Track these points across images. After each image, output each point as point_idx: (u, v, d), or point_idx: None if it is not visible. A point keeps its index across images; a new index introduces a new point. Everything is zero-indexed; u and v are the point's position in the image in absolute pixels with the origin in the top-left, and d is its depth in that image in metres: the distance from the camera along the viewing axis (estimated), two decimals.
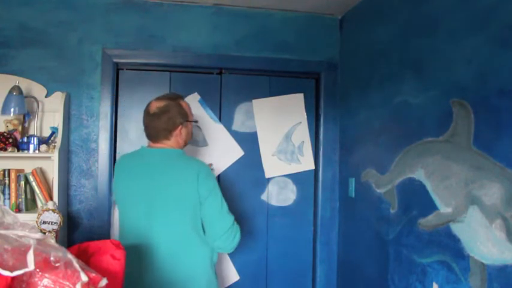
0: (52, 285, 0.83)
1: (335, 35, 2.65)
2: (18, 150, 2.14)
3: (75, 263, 0.89)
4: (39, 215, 2.01)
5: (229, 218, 1.63)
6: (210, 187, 1.63)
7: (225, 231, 1.60)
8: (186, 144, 1.79)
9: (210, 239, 1.64)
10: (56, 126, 2.23)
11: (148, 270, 1.61)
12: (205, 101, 2.54)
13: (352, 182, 2.41)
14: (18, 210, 2.14)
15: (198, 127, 2.52)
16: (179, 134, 1.71)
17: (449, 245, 1.54)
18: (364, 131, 2.29)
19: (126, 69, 2.49)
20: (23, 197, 2.16)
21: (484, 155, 1.37)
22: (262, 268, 2.61)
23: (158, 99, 1.73)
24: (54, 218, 2.02)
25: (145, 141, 2.46)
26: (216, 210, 1.62)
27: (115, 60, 2.39)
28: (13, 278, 0.80)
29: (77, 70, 2.35)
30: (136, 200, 1.66)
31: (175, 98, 1.75)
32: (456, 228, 1.51)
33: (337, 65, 2.64)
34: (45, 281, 0.83)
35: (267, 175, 2.61)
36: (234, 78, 2.60)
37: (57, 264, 0.86)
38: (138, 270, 1.60)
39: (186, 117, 1.73)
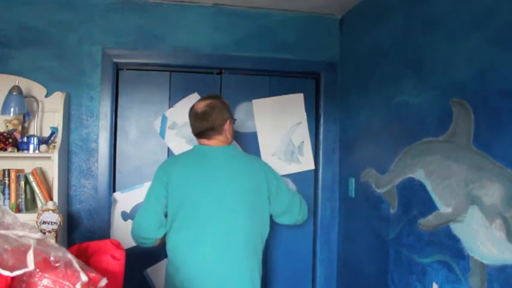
0: (52, 285, 0.83)
1: (335, 35, 2.65)
2: (18, 150, 2.13)
3: (75, 263, 0.89)
4: (39, 215, 2.01)
5: (295, 195, 1.92)
6: (277, 179, 1.84)
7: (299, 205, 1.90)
8: (232, 140, 1.87)
9: (290, 220, 1.90)
10: (55, 126, 2.23)
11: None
12: None
13: (352, 182, 2.41)
14: (18, 210, 2.14)
15: None
16: (228, 129, 1.81)
17: (449, 245, 1.54)
18: (364, 131, 2.29)
19: (126, 69, 2.49)
20: (23, 197, 2.16)
21: (484, 155, 1.37)
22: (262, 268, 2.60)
23: (202, 100, 1.84)
24: (54, 218, 2.02)
25: (145, 142, 2.48)
26: (288, 196, 1.86)
27: (115, 60, 2.39)
28: (13, 278, 0.80)
29: (77, 70, 2.35)
30: (204, 202, 1.70)
31: (217, 97, 1.88)
32: (456, 228, 1.51)
33: (337, 65, 2.64)
34: (45, 281, 0.83)
35: None
36: (234, 78, 2.59)
37: (57, 264, 0.86)
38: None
39: (231, 112, 1.87)
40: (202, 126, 1.77)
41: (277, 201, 1.81)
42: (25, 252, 0.84)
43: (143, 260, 2.37)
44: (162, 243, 1.79)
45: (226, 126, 1.80)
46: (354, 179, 2.40)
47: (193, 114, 1.81)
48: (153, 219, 1.71)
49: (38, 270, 0.83)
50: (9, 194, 2.14)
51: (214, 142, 1.79)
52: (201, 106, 1.79)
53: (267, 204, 1.80)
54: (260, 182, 1.77)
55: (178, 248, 1.70)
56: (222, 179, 1.72)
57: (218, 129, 1.77)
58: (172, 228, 1.72)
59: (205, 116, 1.76)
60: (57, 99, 2.24)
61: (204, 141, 1.80)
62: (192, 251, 1.67)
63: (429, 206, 1.66)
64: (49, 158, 2.13)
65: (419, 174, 1.74)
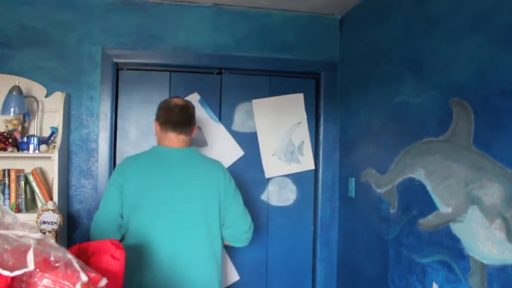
0: (52, 285, 0.83)
1: (335, 35, 2.65)
2: (18, 150, 2.13)
3: (75, 263, 0.88)
4: (39, 215, 2.01)
5: (247, 213, 1.82)
6: (235, 189, 1.80)
7: (247, 230, 1.79)
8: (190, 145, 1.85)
9: (230, 238, 1.80)
10: (55, 126, 2.23)
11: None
12: (205, 101, 2.54)
13: (352, 182, 2.41)
14: (18, 210, 2.14)
15: (198, 127, 2.52)
16: (194, 133, 1.83)
17: (449, 245, 1.54)
18: (364, 131, 2.29)
19: (126, 69, 2.49)
20: (23, 197, 2.16)
21: (484, 155, 1.37)
22: (262, 268, 2.61)
23: (176, 97, 1.84)
24: (54, 218, 2.02)
25: (145, 142, 2.47)
26: (240, 209, 1.80)
27: (115, 60, 2.39)
28: (13, 278, 0.80)
29: (77, 70, 2.35)
30: (159, 201, 1.67)
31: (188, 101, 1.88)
32: (456, 228, 1.51)
33: (337, 65, 2.64)
34: (45, 281, 0.83)
35: (267, 175, 2.61)
36: (234, 78, 2.59)
37: (57, 264, 0.86)
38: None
39: (195, 119, 1.86)
40: (181, 117, 1.74)
41: (229, 210, 1.76)
42: (25, 252, 0.84)
43: None
44: None
45: (194, 130, 1.83)
46: (354, 179, 2.40)
47: (173, 105, 1.76)
48: (110, 222, 1.68)
49: (38, 270, 0.83)
50: (9, 194, 2.14)
51: (180, 140, 1.75)
52: (181, 101, 1.79)
53: (221, 209, 1.75)
54: (218, 187, 1.73)
55: (133, 251, 1.62)
56: (179, 181, 1.69)
57: (190, 128, 1.78)
58: (128, 230, 1.69)
59: (185, 110, 1.77)
60: (57, 99, 2.24)
61: (171, 135, 1.74)
62: (148, 252, 1.63)
63: (429, 206, 1.66)
64: (49, 158, 2.13)
65: (419, 174, 1.74)
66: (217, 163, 1.83)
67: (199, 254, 1.68)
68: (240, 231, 1.78)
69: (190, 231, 1.67)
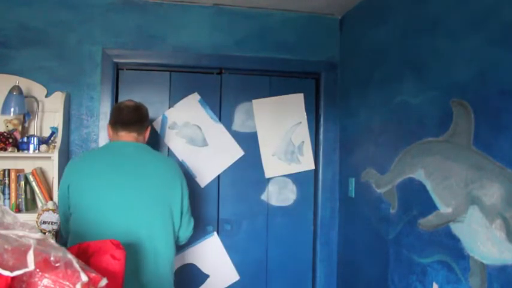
0: (52, 285, 0.83)
1: (335, 35, 2.65)
2: (18, 150, 2.13)
3: (75, 263, 0.88)
4: (39, 215, 2.01)
5: (192, 220, 1.83)
6: (187, 190, 1.77)
7: (191, 229, 1.82)
8: None
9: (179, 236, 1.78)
10: (56, 126, 2.23)
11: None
12: (205, 101, 2.54)
13: (352, 182, 2.41)
14: (18, 210, 2.14)
15: (198, 127, 2.52)
16: (147, 135, 1.81)
17: (449, 245, 1.54)
18: (364, 131, 2.29)
19: (126, 69, 2.49)
20: (23, 197, 2.16)
21: (484, 155, 1.37)
22: (262, 268, 2.61)
23: (128, 100, 1.83)
24: (54, 218, 2.02)
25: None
26: (187, 210, 1.78)
27: (115, 60, 2.39)
28: (13, 278, 0.80)
29: (77, 70, 2.35)
30: (111, 195, 1.61)
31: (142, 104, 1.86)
32: (456, 228, 1.51)
33: (337, 65, 2.64)
34: (45, 281, 0.83)
35: (267, 175, 2.61)
36: (234, 78, 2.59)
37: (57, 264, 0.85)
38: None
39: (149, 122, 1.86)
40: (129, 116, 1.72)
41: (182, 206, 1.74)
42: (25, 252, 0.84)
43: None
44: None
45: (147, 132, 1.81)
46: (354, 179, 2.40)
47: (123, 106, 1.76)
48: (66, 221, 1.67)
49: (38, 270, 0.83)
50: (9, 194, 2.14)
51: (131, 137, 1.72)
52: (132, 103, 1.79)
53: (178, 203, 1.71)
54: (174, 182, 1.70)
55: (81, 232, 1.57)
56: (131, 172, 1.65)
57: (142, 128, 1.76)
58: (74, 214, 1.64)
59: (137, 110, 1.76)
60: (57, 99, 2.24)
61: (122, 134, 1.72)
62: (97, 230, 1.56)
63: (429, 206, 1.66)
64: (49, 158, 2.13)
65: (419, 174, 1.74)
66: (171, 159, 1.81)
67: (153, 230, 1.63)
68: (184, 229, 1.77)
69: (142, 211, 1.62)
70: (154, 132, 2.49)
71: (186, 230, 1.78)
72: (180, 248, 2.47)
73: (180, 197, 1.71)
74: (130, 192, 1.62)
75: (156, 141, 2.48)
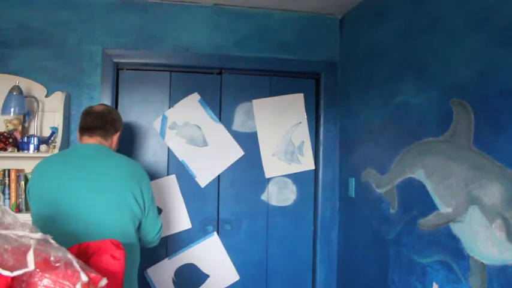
0: (52, 285, 0.83)
1: (335, 35, 2.65)
2: (18, 150, 2.14)
3: (75, 263, 0.89)
4: None
5: (160, 220, 1.79)
6: (152, 195, 1.73)
7: (158, 231, 1.77)
8: None
9: (145, 238, 1.76)
10: (56, 126, 2.23)
11: None
12: (205, 101, 2.54)
13: (352, 182, 2.41)
14: (18, 210, 2.14)
15: (198, 127, 2.52)
16: (114, 141, 1.76)
17: (449, 245, 1.54)
18: (364, 131, 2.29)
19: (126, 69, 2.49)
20: (23, 197, 2.16)
21: (484, 155, 1.37)
22: (262, 268, 2.61)
23: (99, 105, 1.81)
24: None
25: (145, 141, 2.48)
26: (155, 215, 1.74)
27: (115, 60, 2.39)
28: (13, 278, 0.80)
29: (77, 70, 2.35)
30: (63, 195, 1.56)
31: (115, 109, 1.83)
32: (456, 228, 1.51)
33: (337, 65, 2.64)
34: (45, 281, 0.83)
35: (267, 175, 2.61)
36: (234, 78, 2.59)
37: (57, 264, 0.86)
38: None
39: (121, 126, 1.81)
40: (94, 122, 1.69)
41: (147, 212, 1.69)
42: (25, 252, 0.84)
43: (143, 260, 2.36)
44: None
45: (115, 137, 1.75)
46: (354, 179, 2.40)
47: (90, 111, 1.73)
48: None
49: (38, 270, 0.83)
50: (9, 194, 2.15)
51: (95, 140, 1.68)
52: (101, 107, 1.76)
53: (135, 204, 1.64)
54: (131, 182, 1.63)
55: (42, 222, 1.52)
56: (90, 173, 1.60)
57: (106, 133, 1.71)
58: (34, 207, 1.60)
59: (102, 117, 1.71)
60: (57, 99, 2.24)
61: (85, 138, 1.69)
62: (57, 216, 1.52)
63: (429, 206, 1.66)
64: None
65: (419, 174, 1.74)
66: (132, 162, 1.73)
67: (108, 228, 1.56)
68: (147, 231, 1.73)
69: (96, 210, 1.56)
70: (154, 132, 2.49)
71: (150, 232, 1.73)
72: (180, 248, 2.48)
73: (140, 197, 1.63)
74: (82, 192, 1.56)
75: (156, 141, 2.49)
